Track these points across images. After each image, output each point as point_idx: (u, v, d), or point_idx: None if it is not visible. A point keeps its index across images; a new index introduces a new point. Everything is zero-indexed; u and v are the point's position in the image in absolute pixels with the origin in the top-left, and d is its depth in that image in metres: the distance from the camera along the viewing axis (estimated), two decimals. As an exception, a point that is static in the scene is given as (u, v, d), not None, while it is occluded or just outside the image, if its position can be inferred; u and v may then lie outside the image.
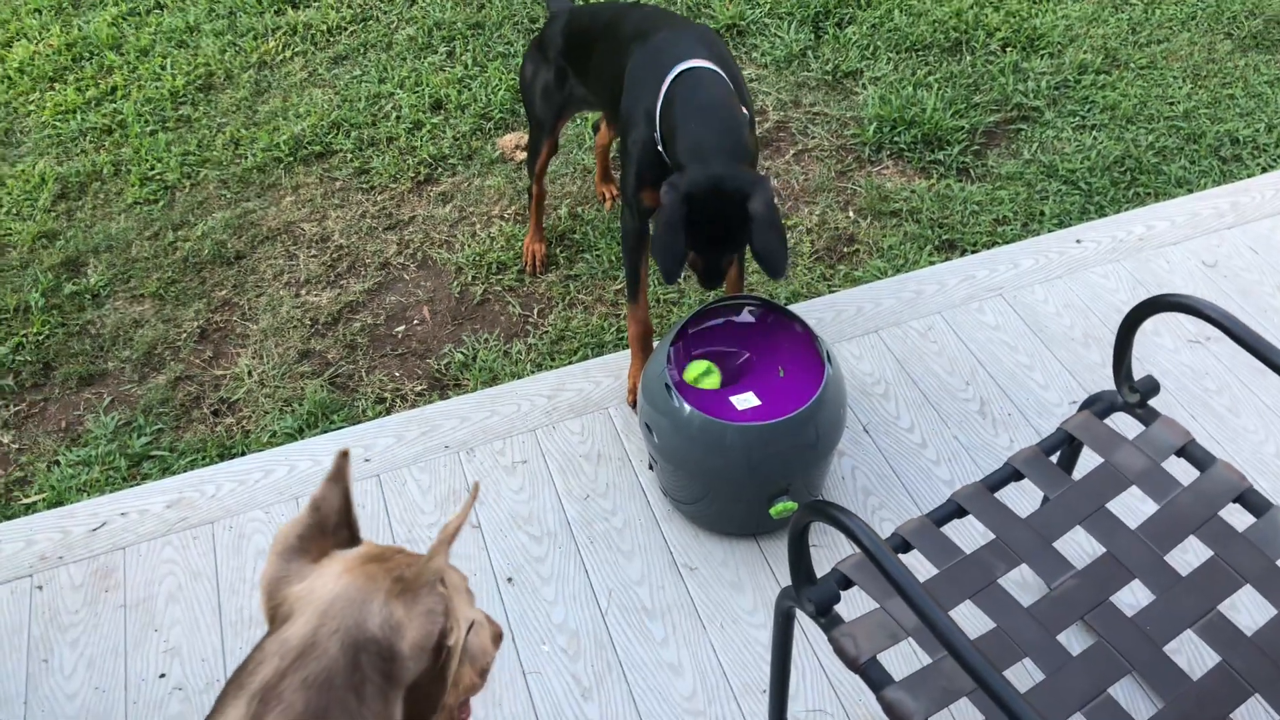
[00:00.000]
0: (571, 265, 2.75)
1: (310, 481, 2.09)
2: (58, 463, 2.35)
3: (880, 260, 2.69)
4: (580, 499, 2.03)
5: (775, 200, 1.85)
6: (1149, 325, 2.26)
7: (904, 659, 1.69)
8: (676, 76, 1.86)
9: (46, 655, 1.81)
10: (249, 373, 2.53)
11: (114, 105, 3.35)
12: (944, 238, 2.74)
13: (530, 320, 2.63)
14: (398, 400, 2.46)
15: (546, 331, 2.58)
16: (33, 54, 3.56)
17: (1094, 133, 3.03)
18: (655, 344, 2.11)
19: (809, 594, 1.28)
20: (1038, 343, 2.29)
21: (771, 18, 3.55)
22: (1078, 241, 2.53)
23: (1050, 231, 2.68)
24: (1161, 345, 2.26)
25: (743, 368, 1.92)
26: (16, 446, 2.41)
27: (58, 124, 3.29)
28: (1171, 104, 3.12)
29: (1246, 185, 2.69)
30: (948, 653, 1.03)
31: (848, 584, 1.33)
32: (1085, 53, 3.28)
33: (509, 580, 1.91)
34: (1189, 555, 1.44)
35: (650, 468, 2.04)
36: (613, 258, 2.75)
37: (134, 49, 3.57)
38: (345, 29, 3.65)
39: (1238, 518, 1.39)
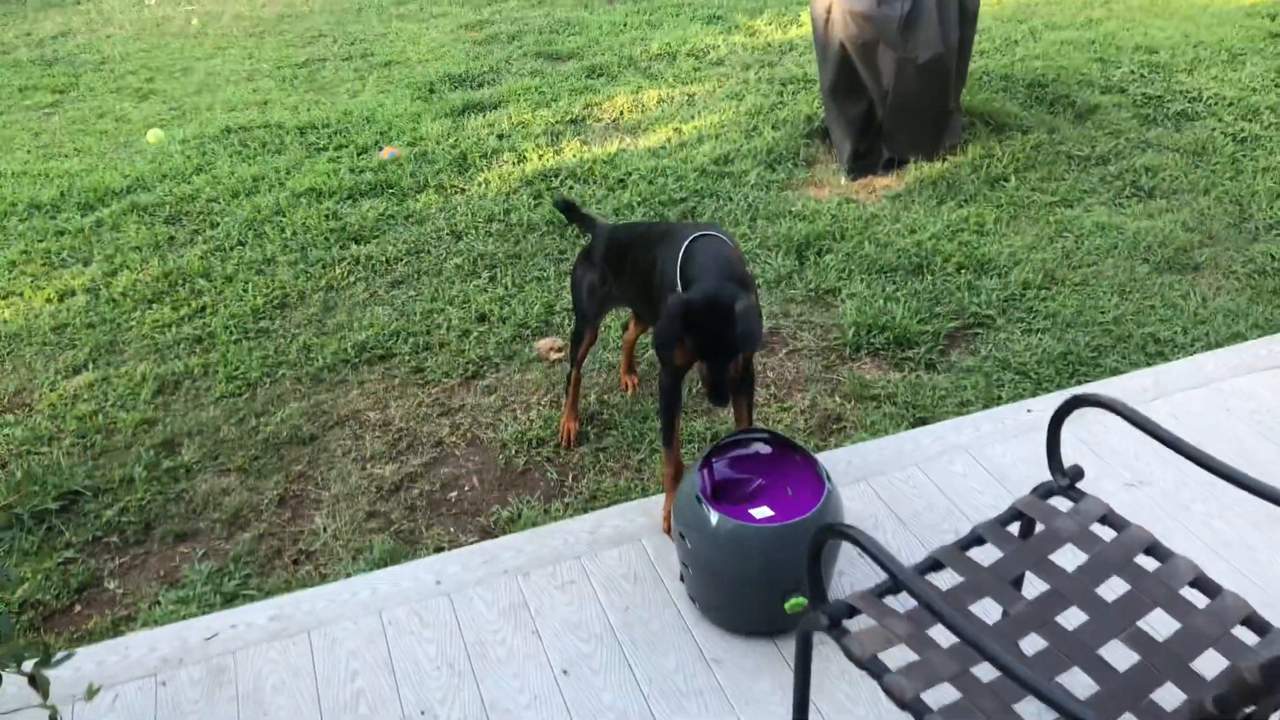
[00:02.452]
0: (600, 440, 3.21)
1: (389, 600, 2.45)
2: (159, 602, 2.70)
3: (865, 434, 3.16)
4: (621, 609, 2.40)
5: (757, 304, 2.34)
6: (1091, 473, 2.70)
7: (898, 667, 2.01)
8: (691, 241, 2.42)
9: (171, 735, 2.12)
10: (324, 529, 2.92)
11: (204, 320, 3.91)
12: (918, 415, 3.23)
13: (566, 484, 3.06)
14: (454, 550, 2.84)
15: (580, 493, 3.00)
16: (134, 281, 4.17)
17: (1039, 335, 3.60)
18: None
19: (824, 610, 1.66)
20: (999, 486, 2.73)
21: (762, 249, 4.21)
22: (1029, 411, 3.03)
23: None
24: (1103, 489, 2.69)
25: (757, 491, 2.35)
26: (121, 591, 2.76)
27: (155, 335, 3.84)
28: (1103, 312, 3.71)
29: (1167, 368, 3.23)
30: (943, 624, 1.41)
31: (852, 613, 1.71)
32: (1028, 273, 3.91)
33: (564, 672, 2.24)
34: (1113, 589, 1.81)
35: (680, 579, 2.42)
36: (635, 433, 3.21)
37: (220, 276, 4.19)
38: (401, 260, 4.30)
39: (1149, 563, 1.80)
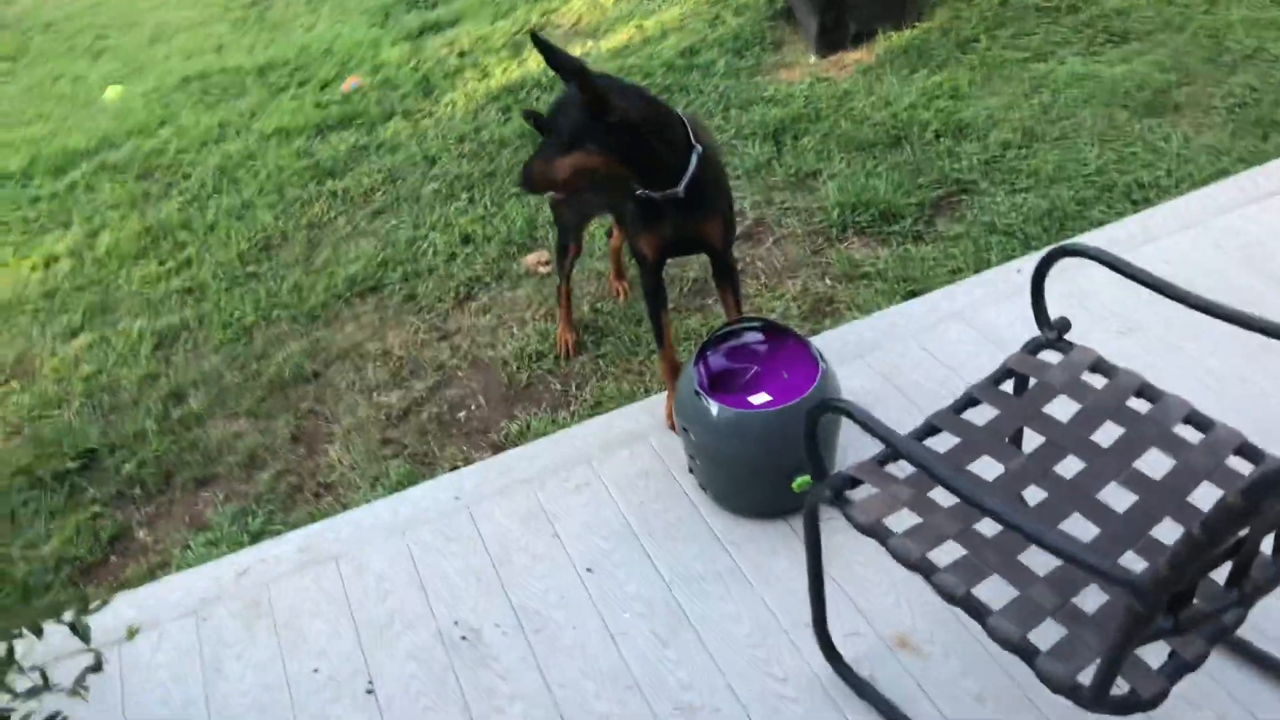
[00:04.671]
0: (599, 347, 3.25)
1: (411, 521, 2.52)
2: (189, 547, 2.77)
3: (859, 312, 3.19)
4: (636, 505, 2.47)
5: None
6: (1082, 326, 2.73)
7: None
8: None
9: (218, 667, 2.20)
10: (339, 460, 2.98)
11: (191, 272, 3.92)
12: (909, 289, 3.26)
13: (570, 393, 3.10)
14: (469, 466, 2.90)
15: (585, 400, 3.05)
16: (116, 240, 4.16)
17: (1023, 194, 3.59)
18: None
19: (827, 483, 1.72)
20: (995, 348, 2.77)
21: (739, 139, 4.18)
22: (1018, 271, 3.05)
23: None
24: (1094, 340, 2.73)
25: (754, 379, 2.40)
26: (152, 539, 2.84)
27: (146, 290, 3.85)
28: (1085, 164, 3.70)
29: (1153, 212, 3.24)
30: (941, 485, 1.46)
31: (855, 484, 1.77)
32: (1007, 133, 3.89)
33: (588, 570, 2.32)
34: (1108, 434, 1.87)
35: (690, 471, 2.48)
36: (632, 337, 3.24)
37: (202, 226, 4.18)
38: (378, 190, 4.28)
39: (1142, 405, 1.85)
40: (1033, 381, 1.94)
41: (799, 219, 3.66)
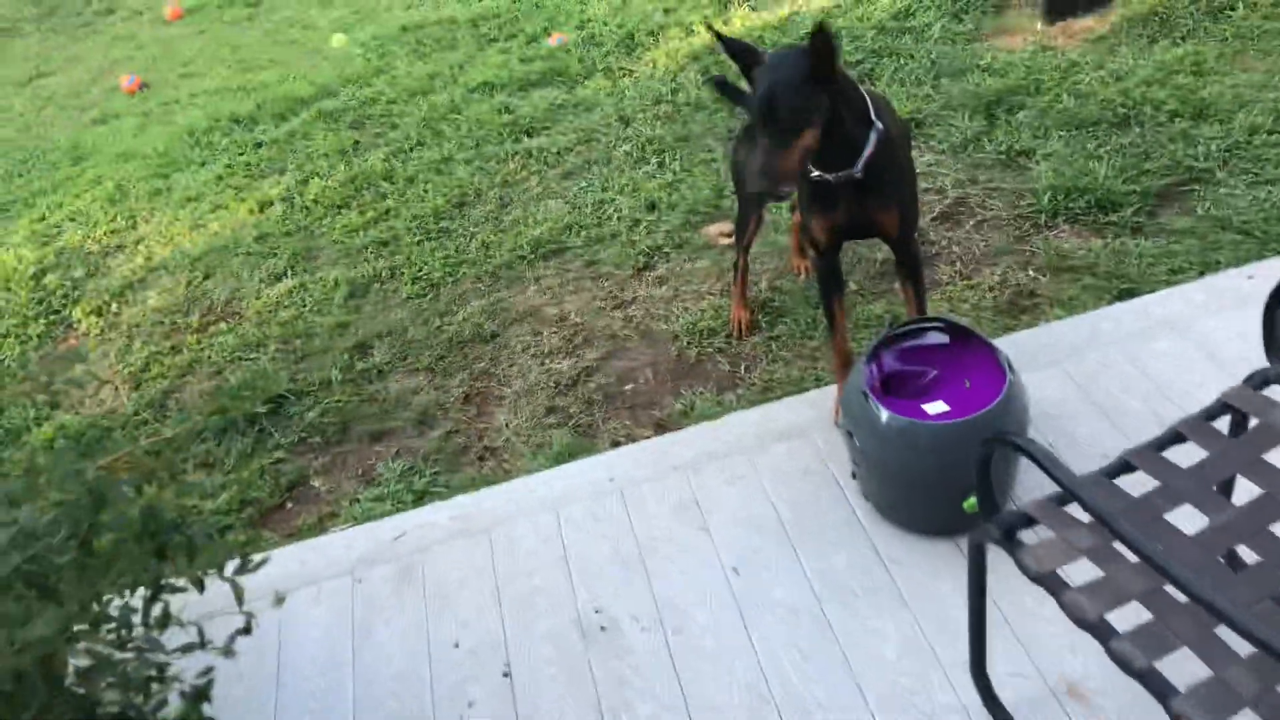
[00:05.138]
0: (773, 328, 3.12)
1: (565, 498, 2.50)
2: (358, 500, 2.87)
3: (1061, 310, 2.92)
4: (791, 505, 2.35)
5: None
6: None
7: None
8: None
9: (368, 631, 2.27)
10: (506, 424, 3.01)
11: (388, 224, 4.04)
12: (1122, 288, 2.95)
13: (739, 375, 3.00)
14: (630, 443, 2.86)
15: (754, 384, 2.94)
16: (324, 189, 4.34)
17: (1268, 187, 3.18)
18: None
19: (996, 521, 1.56)
20: (1212, 367, 2.47)
21: (946, 110, 3.91)
22: (1250, 277, 2.70)
23: (1227, 274, 2.85)
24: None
25: (931, 383, 2.22)
26: (326, 489, 2.96)
27: (345, 240, 4.00)
28: (1350, 157, 3.24)
29: None
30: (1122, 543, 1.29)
31: (1030, 522, 1.59)
32: (1256, 116, 3.45)
33: (734, 570, 2.23)
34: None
35: (853, 476, 2.34)
36: (808, 320, 3.10)
37: (402, 178, 4.30)
38: (572, 150, 4.27)
39: (1386, 463, 1.57)
40: (1254, 421, 1.69)
41: (1005, 201, 3.39)
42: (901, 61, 4.29)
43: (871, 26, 4.56)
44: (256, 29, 6.70)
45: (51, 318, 3.92)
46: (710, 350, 3.11)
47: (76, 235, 4.40)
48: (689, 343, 3.16)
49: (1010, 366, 2.14)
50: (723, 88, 3.04)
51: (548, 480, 2.58)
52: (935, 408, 2.13)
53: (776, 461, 2.47)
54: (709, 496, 2.42)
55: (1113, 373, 2.52)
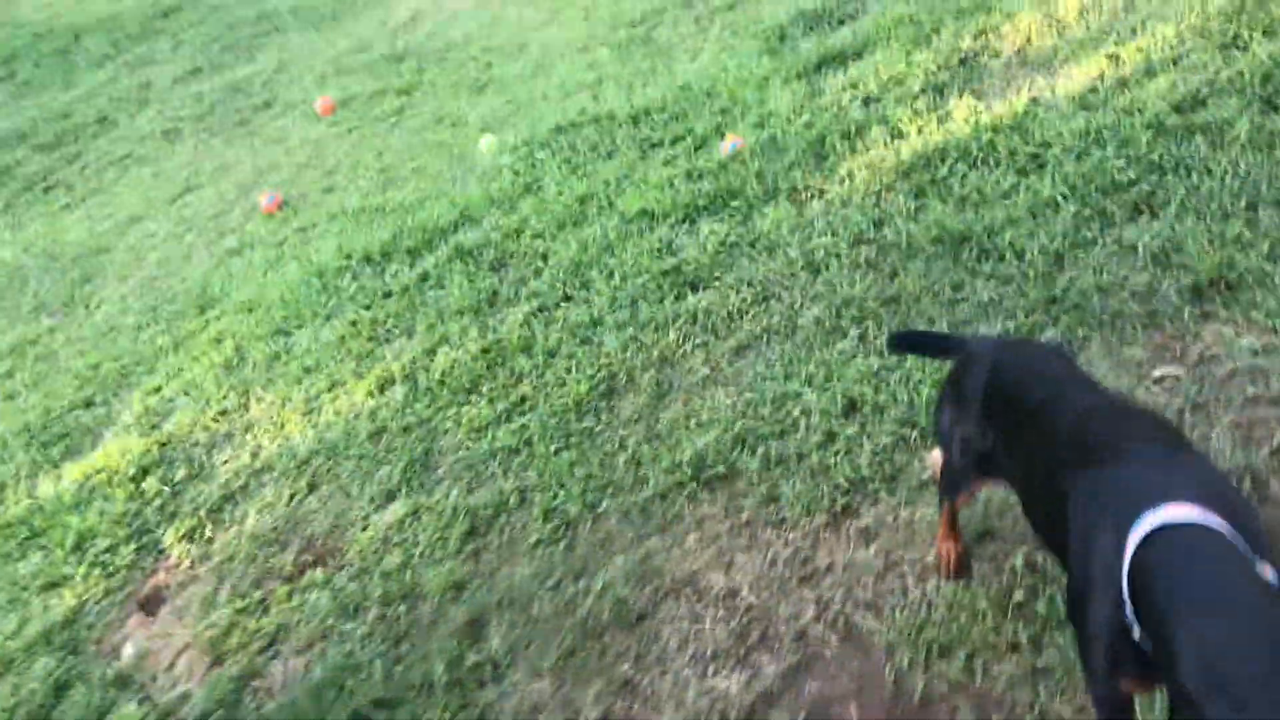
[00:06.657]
0: (1038, 652, 2.13)
1: None
2: None
3: None
4: None
5: None
6: None
7: None
8: (1148, 537, 1.30)
9: None
10: (652, 790, 2.17)
11: (522, 421, 3.27)
12: None
13: (991, 733, 2.04)
14: None
15: (1015, 755, 1.98)
16: (453, 363, 3.63)
17: None
18: None
19: None
20: None
21: (1273, 261, 2.78)
22: None
23: None
24: None
25: None
26: None
27: (470, 443, 3.27)
28: None
29: None
30: None
31: None
32: None
33: None
34: None
35: None
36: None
37: (542, 351, 3.53)
38: (746, 313, 3.38)
39: None
40: None
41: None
42: (1194, 179, 3.16)
43: (1144, 125, 3.43)
44: (404, 127, 6.13)
45: (144, 539, 3.38)
46: (943, 683, 2.15)
47: (186, 416, 3.88)
48: (910, 661, 2.22)
49: None
50: (911, 344, 2.22)
51: None
52: None
53: None
54: None
55: None
